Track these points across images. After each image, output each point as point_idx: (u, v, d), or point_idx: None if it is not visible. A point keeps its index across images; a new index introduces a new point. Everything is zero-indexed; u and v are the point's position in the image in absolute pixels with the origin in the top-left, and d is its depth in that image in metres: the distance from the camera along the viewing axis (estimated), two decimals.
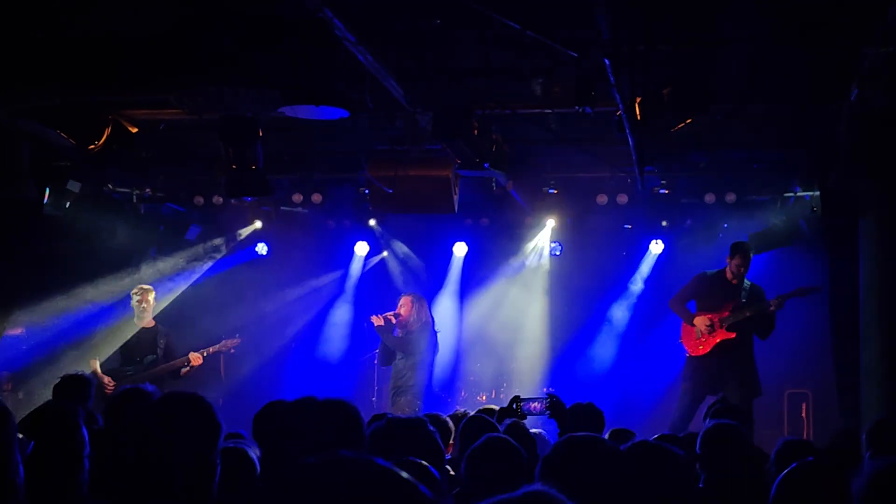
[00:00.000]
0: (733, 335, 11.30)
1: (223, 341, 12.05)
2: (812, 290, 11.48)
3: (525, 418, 6.40)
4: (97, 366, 11.63)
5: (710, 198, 13.28)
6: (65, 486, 4.03)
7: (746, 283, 11.54)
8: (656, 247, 14.52)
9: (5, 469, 3.39)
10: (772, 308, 11.32)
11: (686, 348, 11.58)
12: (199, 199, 13.82)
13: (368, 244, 15.26)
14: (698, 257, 13.20)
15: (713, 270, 11.96)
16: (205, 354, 11.75)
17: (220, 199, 13.60)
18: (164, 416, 3.21)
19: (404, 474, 1.65)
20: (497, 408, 7.33)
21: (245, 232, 14.85)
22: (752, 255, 11.50)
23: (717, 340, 11.33)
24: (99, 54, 8.15)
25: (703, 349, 11.39)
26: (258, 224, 14.74)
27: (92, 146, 9.65)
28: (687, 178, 13.49)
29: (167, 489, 2.99)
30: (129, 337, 11.92)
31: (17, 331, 13.23)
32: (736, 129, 11.38)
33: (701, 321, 11.40)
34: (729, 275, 11.44)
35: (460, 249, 15.34)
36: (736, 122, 10.59)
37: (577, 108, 8.31)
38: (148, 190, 13.79)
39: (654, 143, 8.66)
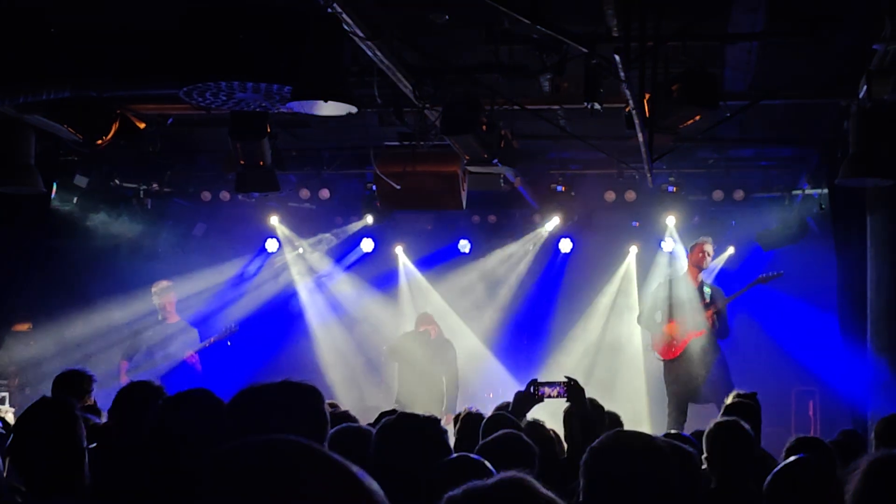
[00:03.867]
0: (702, 332, 11.50)
1: (222, 331, 12.18)
2: (773, 277, 11.79)
3: (542, 401, 6.36)
4: (125, 366, 11.77)
5: (718, 195, 13.28)
6: (67, 478, 4.02)
7: (707, 286, 11.81)
8: (666, 244, 14.50)
9: None
10: (732, 298, 11.82)
11: (659, 355, 11.75)
12: (207, 195, 13.83)
13: (373, 241, 15.25)
14: None
15: (672, 277, 12.20)
16: (206, 345, 11.90)
17: (228, 195, 13.60)
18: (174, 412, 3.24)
19: (335, 456, 1.46)
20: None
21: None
22: (709, 245, 11.71)
23: (688, 340, 11.49)
24: (107, 48, 8.15)
25: (675, 352, 11.61)
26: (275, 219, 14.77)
27: (99, 141, 9.63)
28: (695, 175, 13.48)
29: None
30: (152, 334, 12.04)
31: (25, 326, 13.26)
32: (744, 126, 11.37)
33: (670, 328, 11.66)
34: (690, 276, 11.69)
35: (464, 247, 15.36)
36: (744, 119, 10.57)
37: (585, 103, 8.31)
38: (155, 185, 13.79)
39: (663, 140, 8.64)
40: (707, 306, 11.55)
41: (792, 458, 4.41)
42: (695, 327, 11.51)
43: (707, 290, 11.76)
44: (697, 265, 11.72)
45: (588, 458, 3.47)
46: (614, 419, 7.20)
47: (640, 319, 12.22)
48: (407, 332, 13.44)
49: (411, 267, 15.62)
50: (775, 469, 4.38)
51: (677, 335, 11.57)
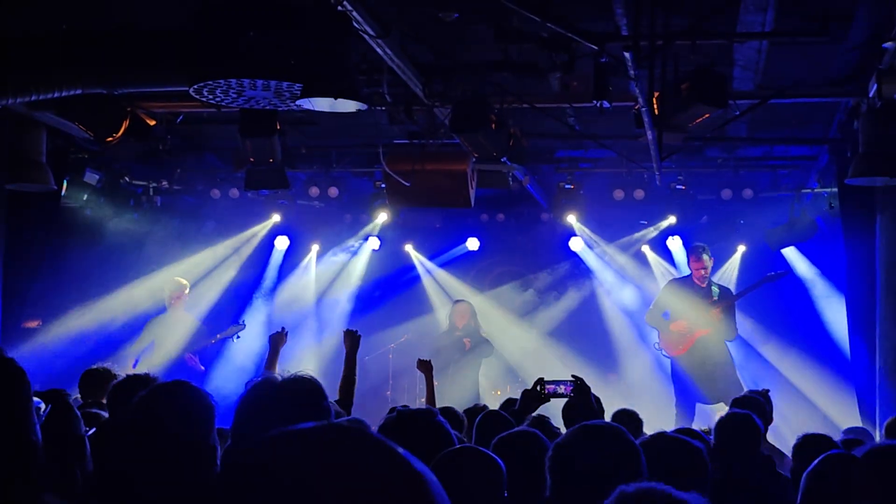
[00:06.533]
0: (709, 330, 11.61)
1: (229, 327, 12.20)
2: (779, 276, 11.83)
3: (549, 400, 6.41)
4: (133, 361, 11.83)
5: (726, 193, 13.28)
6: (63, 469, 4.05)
7: (715, 286, 11.91)
8: (673, 243, 14.50)
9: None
10: (740, 297, 11.98)
11: (666, 351, 11.82)
12: (216, 192, 13.85)
13: (380, 239, 15.25)
14: (714, 252, 13.18)
15: (680, 277, 12.26)
16: (212, 341, 11.94)
17: (237, 193, 13.62)
18: (155, 403, 3.29)
19: (395, 447, 1.36)
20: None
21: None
22: (707, 254, 11.75)
23: (696, 337, 11.54)
24: (118, 46, 8.17)
25: (682, 348, 11.70)
26: (276, 218, 14.75)
27: (110, 138, 9.66)
28: (704, 174, 13.48)
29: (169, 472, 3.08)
30: (161, 330, 12.08)
31: (34, 323, 13.30)
32: (753, 125, 11.36)
33: (677, 326, 11.70)
34: (695, 279, 11.69)
35: (473, 244, 15.38)
36: (753, 118, 10.56)
37: (594, 102, 8.31)
38: (165, 182, 13.81)
39: (672, 139, 8.64)
40: (714, 304, 11.59)
41: (825, 455, 4.31)
42: (702, 325, 11.55)
43: (714, 289, 11.81)
44: (698, 278, 11.77)
45: (553, 454, 3.41)
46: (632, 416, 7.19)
47: (649, 316, 12.28)
48: (442, 335, 13.59)
49: (428, 263, 15.66)
50: (810, 467, 4.28)
51: (684, 332, 11.61)
